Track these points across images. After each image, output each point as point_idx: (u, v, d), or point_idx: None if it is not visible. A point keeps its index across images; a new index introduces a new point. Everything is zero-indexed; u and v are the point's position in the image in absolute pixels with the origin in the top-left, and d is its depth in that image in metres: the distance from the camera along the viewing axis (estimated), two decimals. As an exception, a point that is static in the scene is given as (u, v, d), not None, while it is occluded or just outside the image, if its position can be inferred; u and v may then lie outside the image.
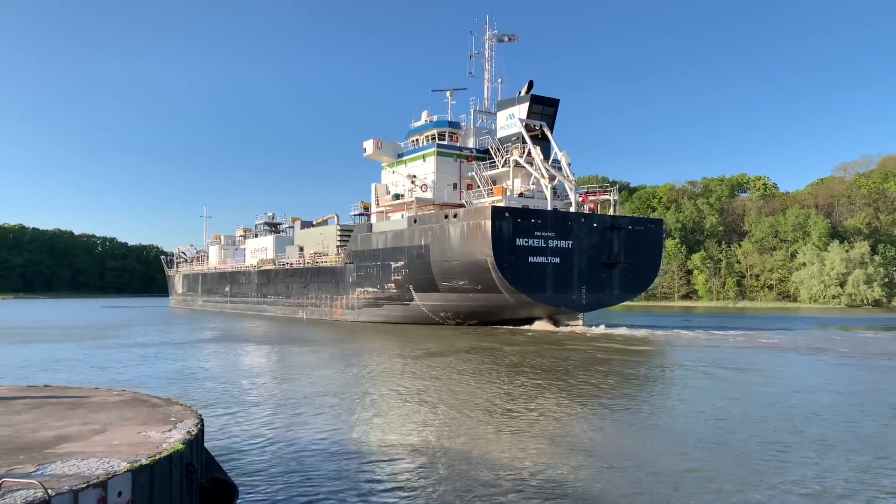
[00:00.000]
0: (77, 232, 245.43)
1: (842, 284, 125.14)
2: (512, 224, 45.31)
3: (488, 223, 44.65)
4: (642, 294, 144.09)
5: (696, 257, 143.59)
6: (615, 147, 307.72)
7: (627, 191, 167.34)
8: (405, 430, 14.49)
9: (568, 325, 49.53)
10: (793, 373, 25.25)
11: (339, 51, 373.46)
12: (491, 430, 14.40)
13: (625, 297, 52.46)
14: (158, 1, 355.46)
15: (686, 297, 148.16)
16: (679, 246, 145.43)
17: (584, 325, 49.45)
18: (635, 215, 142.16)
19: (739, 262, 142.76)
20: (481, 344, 36.55)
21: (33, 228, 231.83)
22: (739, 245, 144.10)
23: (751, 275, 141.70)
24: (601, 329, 47.07)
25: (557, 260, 47.22)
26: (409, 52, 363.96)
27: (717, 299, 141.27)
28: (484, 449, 12.73)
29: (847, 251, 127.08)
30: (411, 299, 52.10)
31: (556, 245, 47.20)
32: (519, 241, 45.59)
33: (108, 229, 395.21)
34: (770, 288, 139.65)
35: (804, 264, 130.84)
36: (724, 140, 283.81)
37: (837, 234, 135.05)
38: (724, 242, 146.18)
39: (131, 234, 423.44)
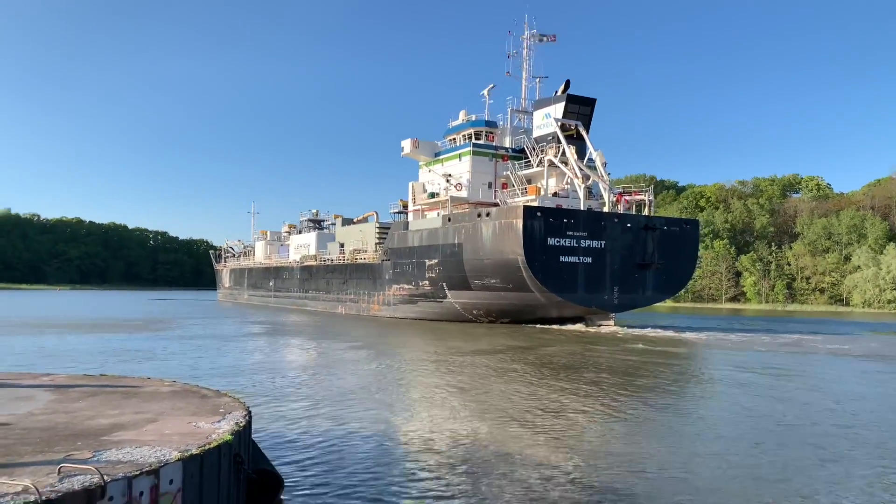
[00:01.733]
0: (131, 226, 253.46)
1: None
2: (543, 224, 45.54)
3: (520, 222, 44.99)
4: (682, 295, 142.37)
5: (744, 259, 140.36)
6: (664, 146, 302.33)
7: (675, 190, 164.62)
8: (449, 426, 14.64)
9: (600, 325, 49.49)
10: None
11: (381, 50, 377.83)
12: (535, 430, 14.43)
13: (658, 298, 52.08)
14: (205, 0, 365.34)
15: (734, 299, 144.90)
16: (728, 247, 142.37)
17: (615, 324, 49.30)
18: (682, 216, 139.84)
19: (790, 265, 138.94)
20: (515, 342, 36.83)
21: (90, 222, 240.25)
22: (790, 247, 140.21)
23: (802, 277, 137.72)
24: (664, 332, 45.91)
25: (590, 260, 47.23)
26: (449, 51, 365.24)
27: (766, 302, 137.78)
28: (529, 447, 12.78)
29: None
30: (445, 297, 52.86)
31: (589, 245, 47.20)
32: (550, 241, 45.79)
33: (161, 223, 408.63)
34: (821, 291, 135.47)
35: (859, 267, 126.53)
36: (775, 139, 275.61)
37: (895, 236, 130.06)
38: (774, 244, 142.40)
39: (182, 229, 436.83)
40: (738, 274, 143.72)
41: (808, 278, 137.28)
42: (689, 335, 44.25)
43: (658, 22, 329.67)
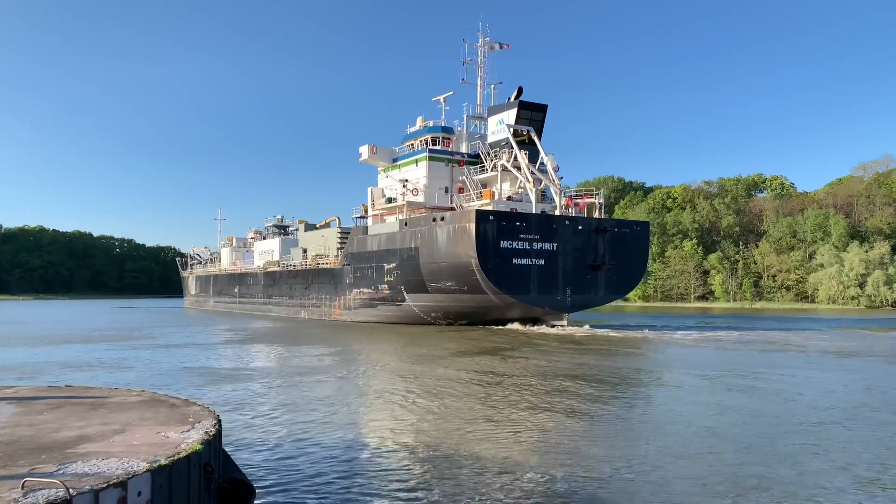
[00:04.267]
0: (96, 234, 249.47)
1: (861, 285, 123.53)
2: (496, 227, 46.27)
3: (472, 226, 45.69)
4: (652, 294, 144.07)
5: (712, 258, 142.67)
6: (630, 148, 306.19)
7: (643, 191, 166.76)
8: (418, 430, 14.83)
9: (554, 325, 50.29)
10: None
11: (344, 57, 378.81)
12: (507, 432, 14.64)
13: (610, 297, 53.11)
14: (170, 8, 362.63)
15: (702, 297, 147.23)
16: (696, 247, 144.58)
17: (569, 324, 50.10)
18: (649, 216, 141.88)
19: (756, 263, 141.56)
20: (470, 346, 37.17)
21: (53, 230, 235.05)
22: (756, 245, 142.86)
23: (768, 275, 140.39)
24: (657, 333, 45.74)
25: (542, 262, 48.05)
26: (410, 57, 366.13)
27: (734, 300, 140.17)
28: (504, 451, 12.88)
29: (867, 251, 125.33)
30: (403, 300, 53.33)
31: (541, 247, 48.03)
32: (503, 244, 46.53)
33: (127, 231, 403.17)
34: (787, 289, 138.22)
35: (822, 265, 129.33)
36: (739, 139, 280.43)
37: (857, 234, 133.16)
38: (740, 243, 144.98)
39: (149, 236, 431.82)
40: (706, 273, 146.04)
41: (774, 276, 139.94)
42: (679, 334, 44.71)
43: (619, 27, 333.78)
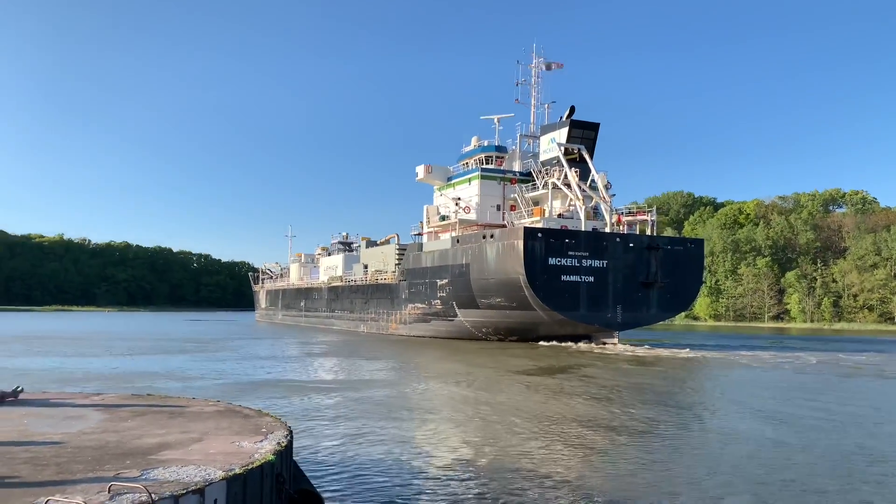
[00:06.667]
0: (175, 249, 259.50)
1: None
2: (544, 244, 46.90)
3: (520, 243, 46.51)
4: (724, 314, 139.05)
5: (790, 275, 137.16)
6: (700, 163, 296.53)
7: (713, 206, 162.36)
8: (487, 446, 14.72)
9: (605, 342, 50.18)
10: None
11: (408, 74, 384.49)
12: (572, 450, 14.47)
13: (663, 316, 52.55)
14: (237, 32, 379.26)
15: (777, 317, 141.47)
16: (770, 264, 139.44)
17: (619, 342, 49.85)
18: (721, 232, 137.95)
19: (836, 282, 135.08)
20: (533, 362, 37.40)
21: (136, 246, 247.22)
22: (835, 263, 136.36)
23: (848, 295, 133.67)
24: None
25: (592, 279, 48.23)
26: (466, 78, 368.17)
27: (812, 321, 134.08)
28: (570, 469, 12.76)
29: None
30: (455, 315, 54.49)
31: (591, 264, 48.25)
32: (552, 261, 47.08)
33: (204, 246, 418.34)
34: (870, 309, 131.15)
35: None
36: (815, 154, 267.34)
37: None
38: (818, 260, 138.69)
39: (225, 252, 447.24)
40: (781, 292, 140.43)
41: (855, 296, 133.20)
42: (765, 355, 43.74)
43: (687, 37, 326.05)
